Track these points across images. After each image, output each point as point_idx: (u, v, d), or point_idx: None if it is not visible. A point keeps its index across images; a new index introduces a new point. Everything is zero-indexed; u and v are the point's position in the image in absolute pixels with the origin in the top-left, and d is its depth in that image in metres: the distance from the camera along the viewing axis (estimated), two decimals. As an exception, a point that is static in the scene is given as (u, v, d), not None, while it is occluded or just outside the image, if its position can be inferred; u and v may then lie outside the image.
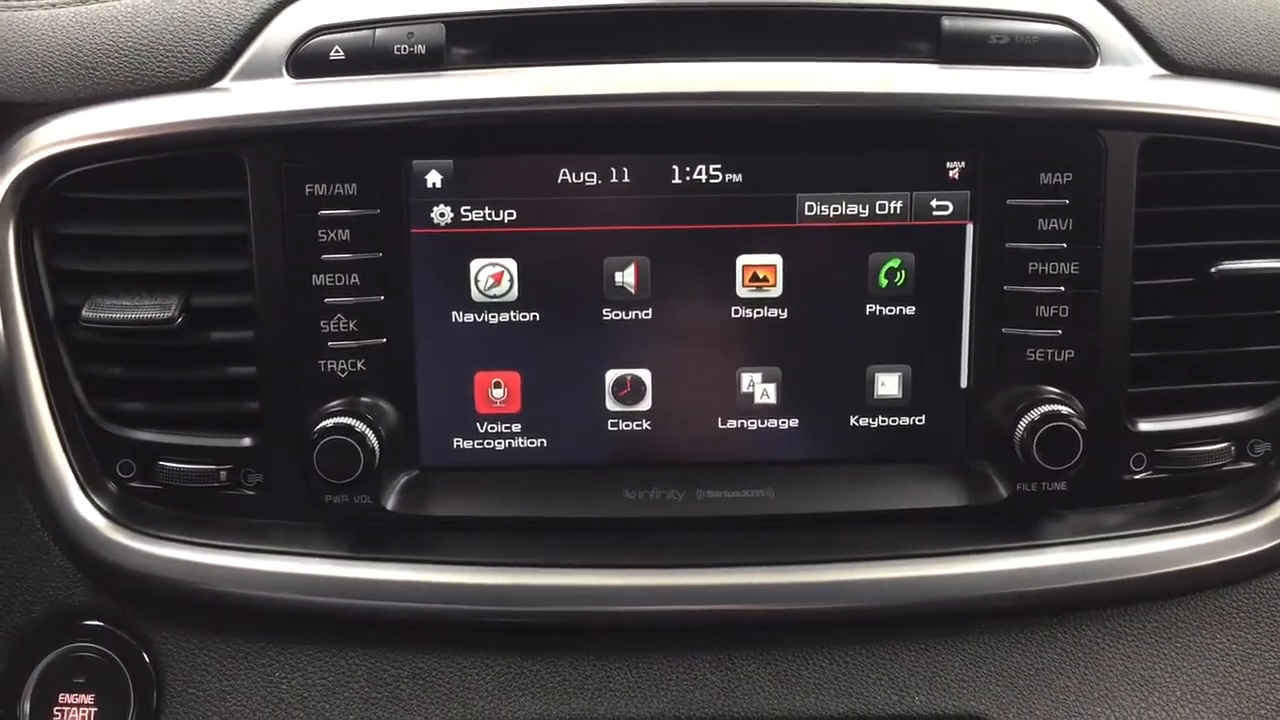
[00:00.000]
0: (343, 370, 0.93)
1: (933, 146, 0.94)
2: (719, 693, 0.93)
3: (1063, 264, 0.94)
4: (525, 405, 0.97)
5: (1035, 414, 0.92)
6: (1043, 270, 0.94)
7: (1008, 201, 0.94)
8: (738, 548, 0.94)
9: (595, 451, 0.98)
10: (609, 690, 0.93)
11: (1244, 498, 0.98)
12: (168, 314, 0.92)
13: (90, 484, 0.94)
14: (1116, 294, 0.93)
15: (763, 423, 0.97)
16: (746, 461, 0.98)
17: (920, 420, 0.98)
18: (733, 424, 0.98)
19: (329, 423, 0.91)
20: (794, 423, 0.98)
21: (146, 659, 0.93)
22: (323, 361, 0.93)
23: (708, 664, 0.93)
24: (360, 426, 0.91)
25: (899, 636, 0.94)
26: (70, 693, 0.92)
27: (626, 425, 0.97)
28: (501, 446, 0.97)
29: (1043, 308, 0.94)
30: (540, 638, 0.94)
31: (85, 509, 0.93)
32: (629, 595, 0.93)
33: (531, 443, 0.97)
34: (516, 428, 0.97)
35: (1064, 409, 0.92)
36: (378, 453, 0.91)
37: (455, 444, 0.97)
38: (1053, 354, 0.94)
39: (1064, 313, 0.94)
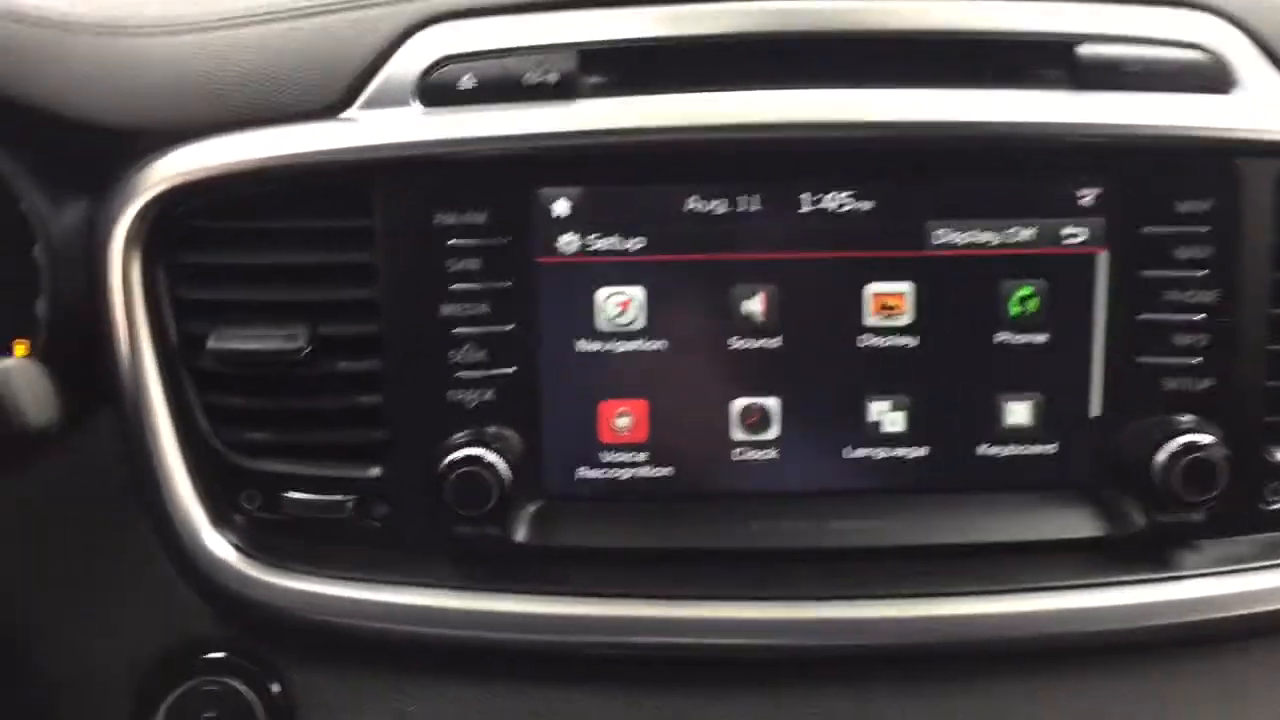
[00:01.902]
0: (471, 400, 0.93)
1: (1066, 173, 0.93)
2: None
3: (1200, 292, 0.93)
4: (651, 434, 0.96)
5: (1175, 444, 0.91)
6: (1179, 299, 0.93)
7: (1142, 229, 0.93)
8: (870, 579, 0.93)
9: (721, 481, 0.97)
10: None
11: None
12: (295, 344, 0.91)
13: (218, 517, 0.93)
14: (1254, 322, 0.92)
15: (891, 451, 0.96)
16: (874, 490, 0.96)
17: (1050, 449, 0.96)
18: (860, 453, 0.97)
19: (459, 454, 0.90)
20: (922, 451, 0.96)
21: (277, 691, 0.92)
22: (451, 391, 0.93)
23: (839, 698, 0.92)
24: (490, 456, 0.90)
25: (1040, 670, 0.93)
26: (200, 726, 0.91)
27: (753, 454, 0.96)
28: (626, 476, 0.96)
29: (1179, 336, 0.93)
30: (673, 670, 0.92)
31: (214, 542, 0.93)
32: (761, 628, 0.93)
33: (657, 472, 0.96)
34: (641, 457, 0.96)
35: (1204, 439, 0.91)
36: (507, 483, 0.90)
37: (579, 474, 0.97)
38: (1190, 383, 0.93)
39: (1202, 341, 0.93)
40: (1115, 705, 0.93)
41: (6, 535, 0.95)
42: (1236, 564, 0.95)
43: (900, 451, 0.96)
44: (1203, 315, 0.93)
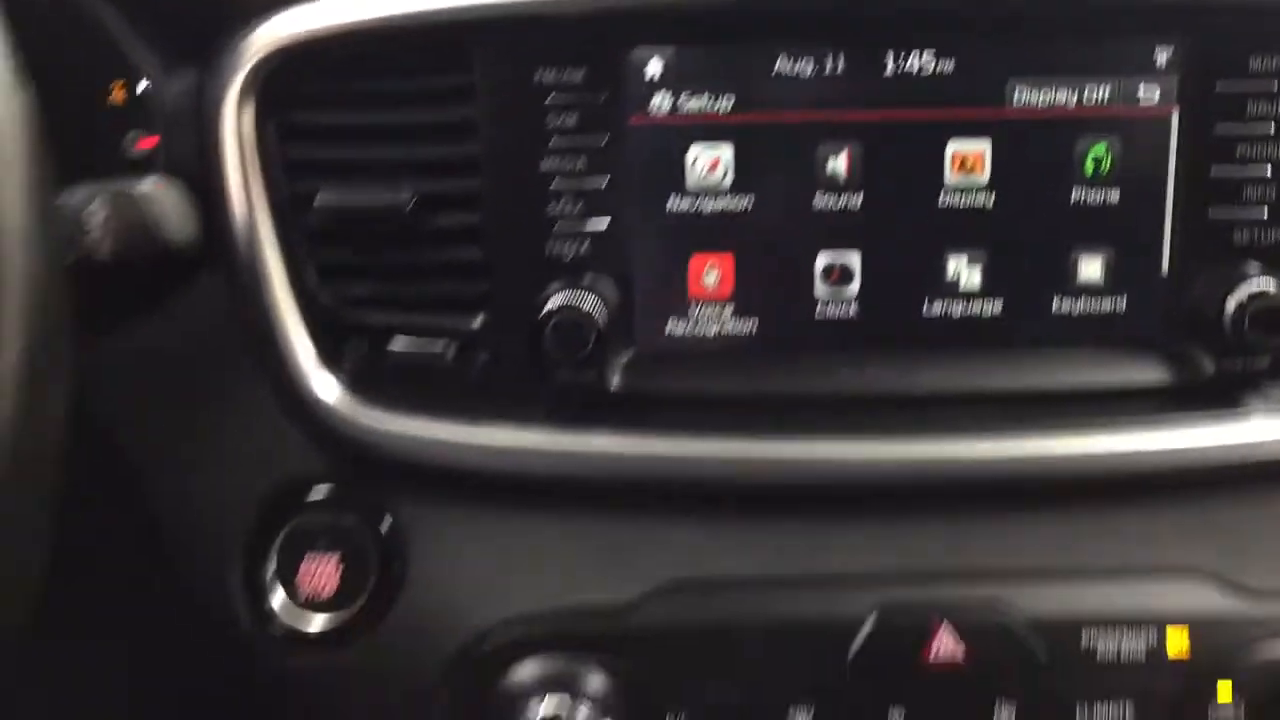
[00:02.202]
0: (567, 253, 0.96)
1: (1141, 33, 0.97)
2: (945, 551, 0.96)
3: (1271, 146, 0.96)
4: (737, 289, 1.00)
5: (1243, 293, 0.95)
6: (1249, 153, 0.97)
7: (1215, 87, 0.96)
8: (952, 420, 0.97)
9: (804, 335, 1.01)
10: (839, 550, 0.96)
11: None
12: (401, 199, 0.95)
13: (325, 362, 0.97)
14: None
15: (967, 306, 1.00)
16: (952, 344, 1.00)
17: (1122, 304, 1.00)
18: (938, 308, 1.00)
19: (557, 301, 0.94)
20: (998, 306, 1.00)
21: (387, 523, 0.96)
22: (549, 243, 0.96)
23: (933, 527, 0.96)
24: (586, 305, 0.94)
25: (1117, 500, 0.97)
26: (314, 555, 0.95)
27: (835, 309, 1.00)
28: (713, 331, 1.00)
29: (1249, 189, 0.97)
30: (766, 503, 0.96)
31: (322, 385, 0.97)
32: (854, 461, 0.97)
33: (742, 326, 1.00)
34: (728, 311, 1.00)
35: (1272, 286, 0.95)
36: (603, 331, 0.94)
37: (669, 328, 1.00)
38: (1258, 235, 0.97)
39: (1271, 194, 0.96)
40: (1182, 537, 0.97)
41: (124, 384, 0.99)
42: None
43: (976, 306, 1.00)
44: (1272, 168, 0.96)
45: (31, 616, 0.72)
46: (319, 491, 0.98)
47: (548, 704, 0.90)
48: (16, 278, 0.66)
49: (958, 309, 1.01)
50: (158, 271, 0.94)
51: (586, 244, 0.97)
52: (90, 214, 0.88)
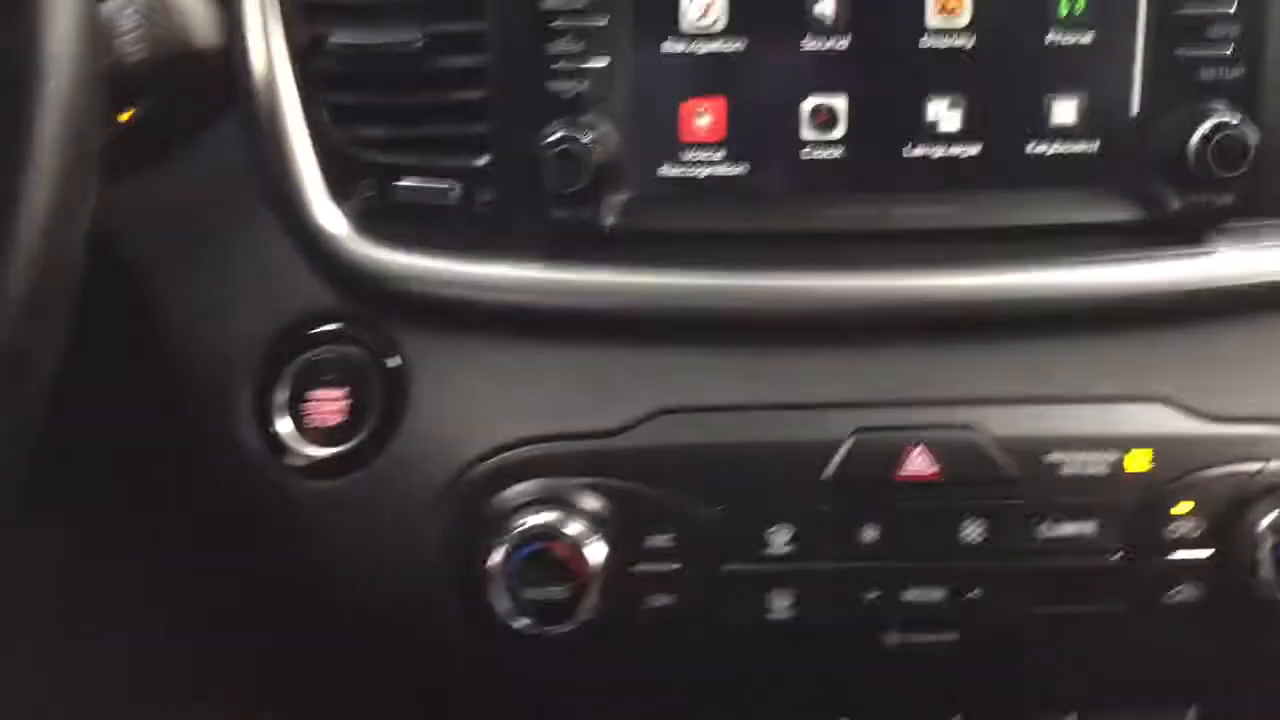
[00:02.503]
0: (568, 91, 1.00)
1: (1115, -126, 0.99)
2: (919, 379, 1.00)
3: None
4: (728, 133, 1.03)
5: (1208, 125, 0.98)
6: None
7: None
8: (932, 254, 1.02)
9: (792, 178, 1.05)
10: (819, 378, 1.00)
11: None
12: (410, 39, 0.98)
13: (337, 198, 1.01)
14: None
15: (947, 149, 1.04)
16: (932, 186, 1.04)
17: (1095, 145, 1.04)
18: (919, 150, 1.04)
19: (556, 136, 0.97)
20: (976, 149, 1.04)
21: (392, 357, 1.01)
22: (550, 82, 1.00)
23: (908, 356, 1.01)
24: (585, 139, 0.97)
25: (1084, 331, 1.02)
26: (323, 387, 1.01)
27: (821, 152, 1.04)
28: (704, 174, 1.04)
29: (1215, 27, 1.00)
30: (751, 333, 1.01)
31: (332, 218, 1.01)
32: (835, 294, 1.01)
33: (733, 170, 1.04)
34: (719, 155, 1.04)
35: (1235, 119, 0.98)
36: (600, 165, 0.98)
37: (661, 170, 1.04)
38: (1223, 72, 1.00)
39: (1235, 31, 0.99)
40: (1146, 366, 1.02)
41: (141, 222, 1.03)
42: (1263, 242, 1.03)
43: (955, 149, 1.04)
44: (1236, 4, 0.99)
45: (35, 440, 0.75)
46: (328, 326, 1.02)
47: (541, 517, 0.96)
48: (55, 89, 0.69)
49: (938, 151, 1.04)
50: (182, 98, 0.97)
51: (586, 83, 1.00)
52: (125, 14, 0.91)
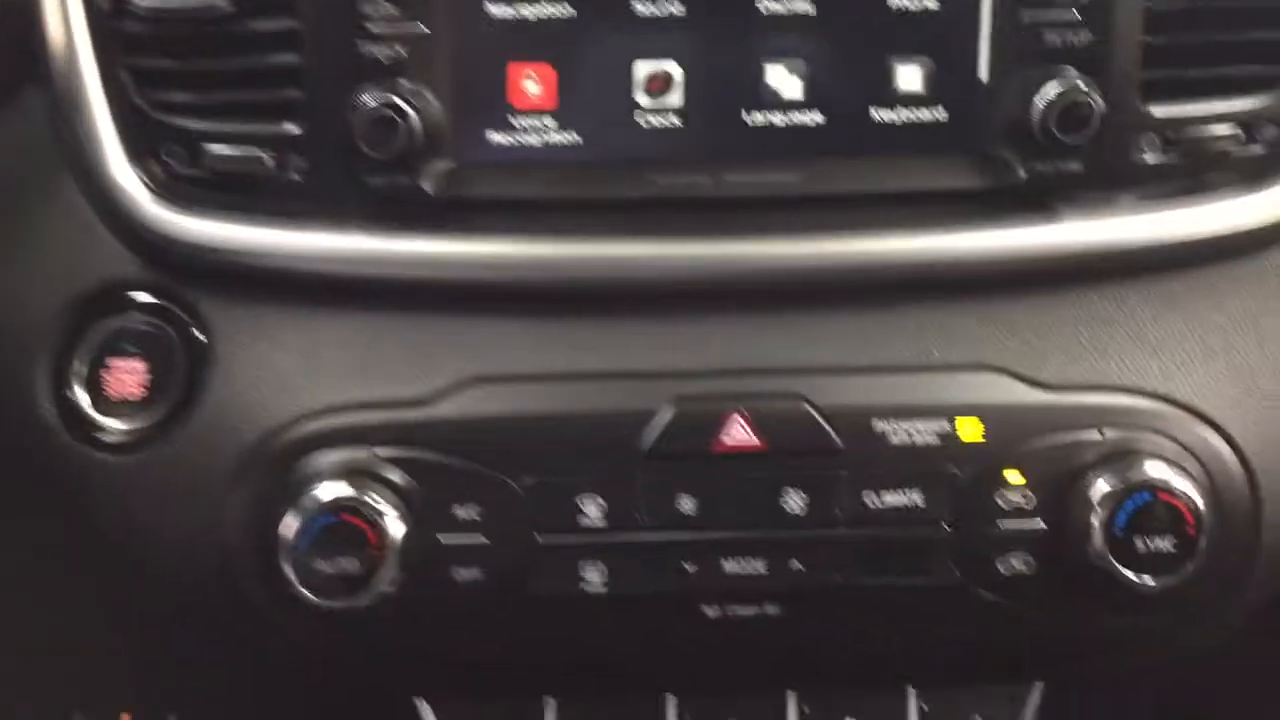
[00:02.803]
0: (385, 56, 0.97)
1: None
2: (745, 348, 0.97)
3: None
4: (559, 100, 1.01)
5: (1052, 91, 0.96)
6: None
7: None
8: (767, 222, 0.99)
9: (626, 147, 1.02)
10: (638, 347, 0.98)
11: (1251, 178, 1.01)
12: (219, 1, 0.96)
13: (138, 162, 0.98)
14: None
15: (788, 116, 1.01)
16: (773, 152, 1.01)
17: (942, 111, 1.01)
18: (760, 118, 1.01)
19: (372, 101, 0.95)
20: (819, 116, 1.01)
21: (195, 327, 0.98)
22: (364, 46, 0.97)
23: (734, 325, 0.98)
24: (401, 104, 0.95)
25: (919, 299, 0.99)
26: (122, 358, 0.98)
27: (657, 120, 1.01)
28: (536, 142, 1.01)
29: None
30: (573, 303, 0.98)
31: (133, 184, 0.98)
32: (660, 261, 0.98)
33: (564, 138, 1.01)
34: (550, 123, 1.01)
35: (1080, 85, 0.96)
36: (418, 133, 0.96)
37: (489, 137, 1.02)
38: (1069, 36, 0.98)
39: None
40: (980, 335, 0.99)
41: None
42: (1110, 211, 1.00)
43: (797, 116, 1.01)
44: None
45: None
46: (129, 295, 0.99)
47: (339, 488, 0.93)
48: None
49: (779, 119, 1.02)
50: None
51: (404, 47, 0.98)
52: None
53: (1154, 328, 1.00)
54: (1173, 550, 0.93)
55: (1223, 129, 1.01)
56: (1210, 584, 0.97)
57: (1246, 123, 1.01)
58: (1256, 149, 1.02)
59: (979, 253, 0.99)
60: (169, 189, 0.99)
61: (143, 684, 1.23)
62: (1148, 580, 0.93)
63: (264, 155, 0.99)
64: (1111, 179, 1.01)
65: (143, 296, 0.99)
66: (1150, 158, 1.01)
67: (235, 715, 1.23)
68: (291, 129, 0.99)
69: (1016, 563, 0.96)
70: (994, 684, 1.04)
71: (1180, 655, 1.05)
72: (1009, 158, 1.00)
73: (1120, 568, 0.93)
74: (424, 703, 1.04)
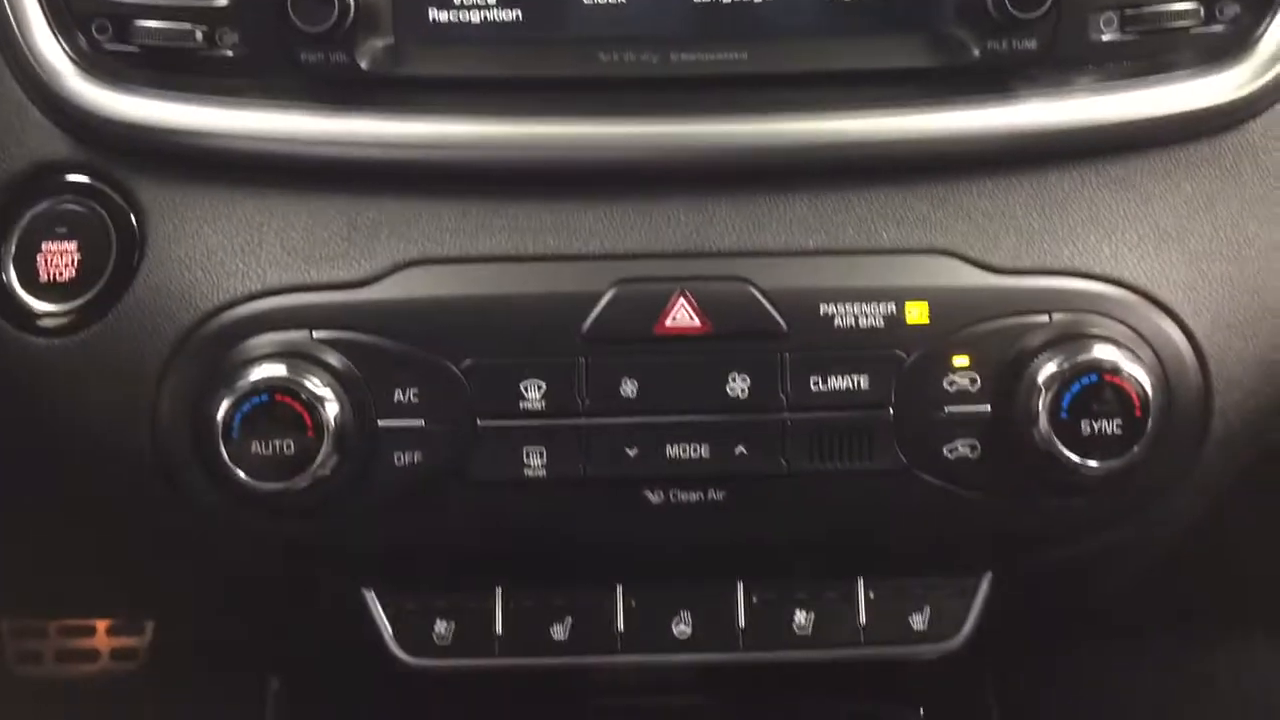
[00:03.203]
0: None
1: None
2: (691, 231, 0.96)
3: None
4: None
5: None
6: None
7: None
8: (714, 103, 0.96)
9: (570, 25, 0.99)
10: (581, 229, 0.96)
11: (1211, 58, 0.99)
12: None
13: (65, 36, 0.96)
14: None
15: None
16: (723, 29, 0.99)
17: None
18: None
19: None
20: None
21: (127, 207, 0.96)
22: None
23: (680, 208, 0.96)
24: None
25: (870, 182, 0.97)
26: (54, 240, 0.96)
27: None
28: (476, 18, 0.99)
29: None
30: (515, 184, 0.96)
31: (59, 59, 0.95)
32: (604, 141, 0.96)
33: (506, 14, 0.99)
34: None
35: None
36: (353, 7, 0.93)
37: (430, 15, 0.99)
38: None
39: None
40: (931, 219, 0.97)
41: None
42: (1067, 91, 0.97)
43: None
44: None
45: None
46: (61, 176, 0.97)
47: (274, 369, 0.91)
48: None
49: None
50: None
51: None
52: None
53: (1108, 211, 0.98)
54: (1118, 433, 0.92)
55: (1182, 5, 0.98)
56: (1157, 470, 0.96)
57: (1207, 0, 0.99)
58: (1217, 28, 0.99)
59: (932, 134, 0.97)
60: (98, 65, 0.96)
61: (109, 589, 1.23)
62: (1091, 464, 0.92)
63: (194, 29, 0.96)
64: (1068, 58, 0.98)
65: (74, 177, 0.97)
66: (1108, 36, 0.99)
67: (206, 618, 1.23)
68: (220, 1, 0.96)
69: (962, 447, 0.95)
70: (943, 574, 1.03)
71: (1128, 546, 1.04)
72: (963, 36, 0.98)
73: (1065, 450, 0.92)
74: (370, 594, 1.03)
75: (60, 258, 0.96)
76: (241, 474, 0.91)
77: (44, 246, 0.96)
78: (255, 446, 0.90)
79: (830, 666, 1.10)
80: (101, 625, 1.68)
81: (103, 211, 0.96)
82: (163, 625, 1.58)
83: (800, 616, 1.03)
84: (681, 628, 1.03)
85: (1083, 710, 1.39)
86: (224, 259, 0.95)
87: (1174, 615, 1.28)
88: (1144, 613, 1.24)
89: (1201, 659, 1.38)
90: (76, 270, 0.95)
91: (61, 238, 0.96)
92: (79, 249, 0.96)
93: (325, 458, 0.91)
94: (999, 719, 1.36)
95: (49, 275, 0.95)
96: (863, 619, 1.04)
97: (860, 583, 1.03)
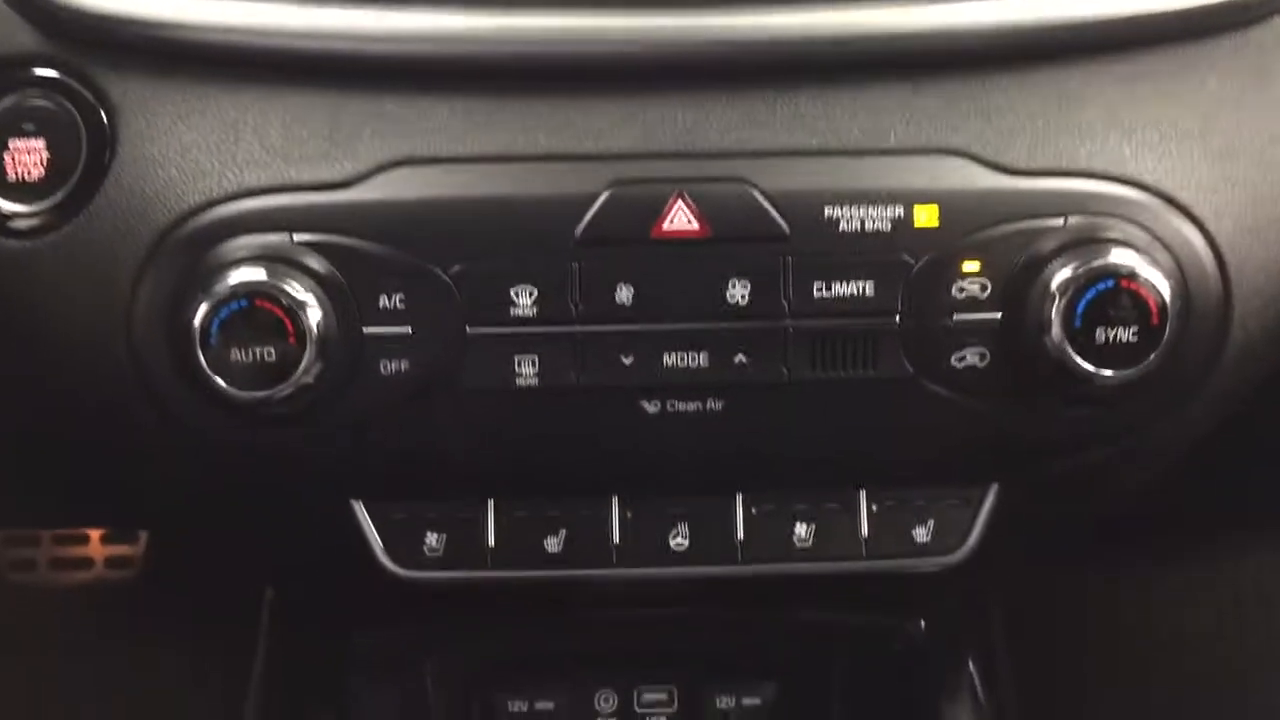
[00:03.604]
0: None
1: None
2: (688, 130, 0.91)
3: None
4: None
5: None
6: None
7: None
8: None
9: None
10: (575, 128, 0.91)
11: None
12: None
13: None
14: None
15: None
16: None
17: None
18: None
19: None
20: None
21: (97, 103, 0.92)
22: None
23: (678, 106, 0.92)
24: None
25: (878, 78, 0.92)
26: (21, 138, 0.91)
27: None
28: None
29: None
30: (504, 81, 0.92)
31: None
32: (597, 34, 0.92)
33: None
34: None
35: None
36: None
37: None
38: None
39: None
40: (942, 117, 0.92)
41: None
42: None
43: None
44: None
45: None
46: (27, 69, 0.92)
47: (254, 272, 0.87)
48: None
49: None
50: None
51: None
52: None
53: (1128, 109, 0.93)
54: (1134, 342, 0.88)
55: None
56: (1172, 380, 0.92)
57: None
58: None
59: (945, 27, 0.92)
60: None
61: (94, 501, 1.20)
62: (1106, 373, 0.89)
63: None
64: None
65: (42, 71, 0.92)
66: None
67: (194, 529, 1.20)
68: None
69: (970, 355, 0.91)
70: (947, 486, 1.00)
71: (1139, 456, 1.01)
72: None
73: (1078, 359, 0.88)
74: (360, 506, 1.00)
75: (28, 156, 0.91)
76: (221, 382, 0.87)
77: (10, 144, 0.91)
78: (235, 354, 0.87)
79: (828, 580, 1.07)
80: (95, 534, 1.68)
81: (72, 108, 0.91)
82: (154, 535, 1.57)
83: (801, 529, 1.01)
84: (679, 540, 1.01)
85: (1083, 617, 1.38)
86: (199, 158, 0.90)
87: (1177, 520, 1.25)
88: (1146, 519, 1.21)
89: (1202, 562, 1.36)
90: (46, 169, 0.91)
91: (29, 135, 0.91)
92: (47, 147, 0.91)
93: (308, 365, 0.87)
94: (1000, 630, 1.35)
95: (17, 174, 0.91)
96: (865, 531, 1.01)
97: (862, 494, 1.00)
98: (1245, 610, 1.35)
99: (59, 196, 0.91)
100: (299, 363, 0.87)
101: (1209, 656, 1.37)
